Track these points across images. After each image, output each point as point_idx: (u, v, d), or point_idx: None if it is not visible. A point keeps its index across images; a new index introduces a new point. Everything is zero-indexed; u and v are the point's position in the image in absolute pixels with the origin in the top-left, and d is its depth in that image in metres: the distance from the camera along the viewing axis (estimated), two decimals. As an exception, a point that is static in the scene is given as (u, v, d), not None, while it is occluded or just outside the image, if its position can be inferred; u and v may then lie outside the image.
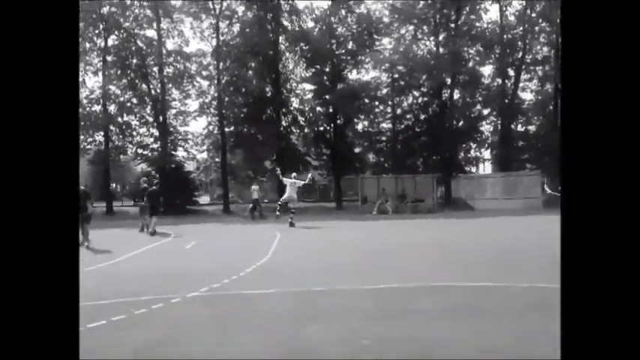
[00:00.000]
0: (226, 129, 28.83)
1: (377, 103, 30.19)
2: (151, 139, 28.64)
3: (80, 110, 25.53)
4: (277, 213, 18.59)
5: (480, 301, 5.82)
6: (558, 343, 2.33)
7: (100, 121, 26.81)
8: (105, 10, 26.76)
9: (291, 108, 29.92)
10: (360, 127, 31.04)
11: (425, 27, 29.51)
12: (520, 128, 31.37)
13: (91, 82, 27.71)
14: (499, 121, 30.54)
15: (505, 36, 29.24)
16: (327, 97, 28.53)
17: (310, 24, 29.59)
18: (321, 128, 30.29)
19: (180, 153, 29.47)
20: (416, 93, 30.33)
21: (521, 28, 29.43)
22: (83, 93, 26.64)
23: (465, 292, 6.30)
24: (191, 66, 28.63)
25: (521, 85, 30.43)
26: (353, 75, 30.01)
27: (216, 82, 28.30)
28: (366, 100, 29.39)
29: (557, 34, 28.31)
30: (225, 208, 28.41)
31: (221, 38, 28.31)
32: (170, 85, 28.28)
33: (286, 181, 18.09)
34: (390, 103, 30.48)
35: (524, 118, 31.07)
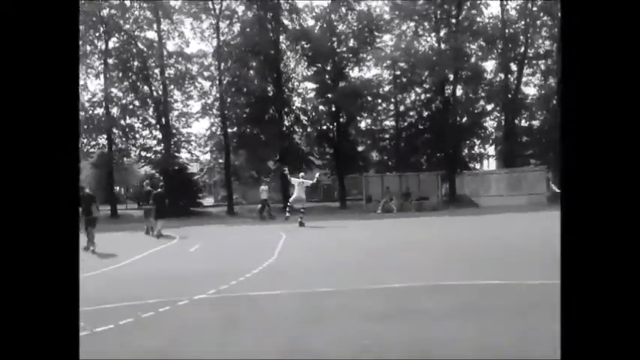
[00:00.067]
0: (229, 130, 28.79)
1: (379, 100, 30.09)
2: (154, 142, 28.70)
3: (83, 113, 25.59)
4: (287, 214, 18.49)
5: (486, 299, 5.77)
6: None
7: (103, 124, 26.83)
8: (105, 12, 26.76)
9: (294, 107, 29.86)
10: (362, 125, 30.95)
11: (426, 23, 29.37)
12: (524, 123, 31.16)
13: (92, 85, 27.91)
14: (502, 117, 30.38)
15: (507, 30, 29.08)
16: (329, 95, 28.46)
17: (311, 22, 29.54)
18: (324, 127, 30.22)
19: (184, 155, 29.51)
20: (418, 90, 30.21)
21: (522, 22, 29.25)
22: (85, 96, 26.72)
23: (471, 291, 6.26)
24: (192, 67, 28.60)
25: (524, 79, 30.26)
26: (355, 73, 29.96)
27: (217, 82, 28.27)
28: (369, 98, 29.29)
29: (558, 28, 28.16)
30: (229, 209, 28.38)
31: (221, 38, 28.26)
32: (172, 87, 28.26)
33: (294, 180, 18.05)
34: (392, 100, 30.35)
35: (527, 113, 30.87)
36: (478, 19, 29.04)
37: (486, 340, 4.26)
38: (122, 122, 27.85)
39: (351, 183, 33.24)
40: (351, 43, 29.40)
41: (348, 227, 17.32)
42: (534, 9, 28.84)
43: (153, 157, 28.56)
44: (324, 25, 28.98)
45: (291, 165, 23.31)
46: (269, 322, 5.10)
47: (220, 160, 30.62)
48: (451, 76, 28.66)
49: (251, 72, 28.31)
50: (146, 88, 27.93)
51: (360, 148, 30.98)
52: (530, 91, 31.44)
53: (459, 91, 29.83)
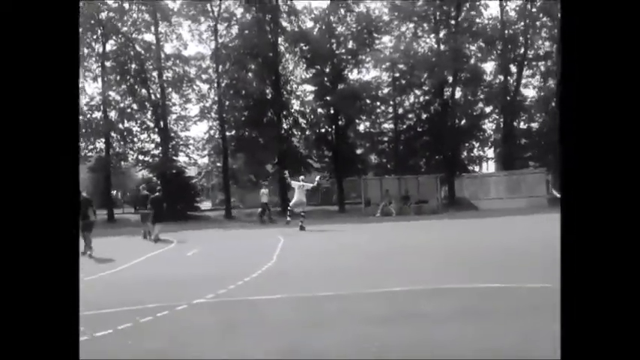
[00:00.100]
0: (227, 133, 28.74)
1: (378, 103, 30.09)
2: (152, 145, 28.62)
3: (80, 117, 25.50)
4: (288, 218, 18.39)
5: (486, 302, 5.72)
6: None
7: (101, 127, 26.76)
8: (103, 15, 26.74)
9: (292, 110, 29.83)
10: (361, 127, 30.91)
11: (425, 24, 29.42)
12: (523, 126, 31.21)
13: (90, 88, 27.81)
14: (502, 119, 30.41)
15: (506, 32, 29.13)
16: (328, 98, 28.42)
17: (309, 24, 29.52)
18: (323, 130, 30.16)
19: (182, 158, 29.43)
20: (417, 92, 30.23)
21: (522, 24, 29.32)
22: (83, 100, 26.62)
23: (471, 294, 6.20)
24: (190, 70, 28.57)
25: (523, 81, 30.31)
26: (354, 75, 29.94)
27: (216, 85, 28.23)
28: (368, 101, 29.29)
29: (558, 29, 28.19)
30: (227, 213, 28.31)
31: (220, 41, 28.24)
32: (170, 90, 28.23)
33: (294, 184, 17.99)
34: (391, 102, 30.36)
35: (526, 115, 30.90)
36: (477, 20, 29.11)
37: (487, 343, 4.21)
38: (120, 126, 27.79)
39: (349, 186, 33.19)
40: (350, 44, 29.38)
41: (347, 231, 17.26)
42: (534, 10, 28.91)
43: (150, 160, 28.48)
44: (323, 27, 28.96)
45: (289, 168, 23.28)
46: (268, 327, 5.03)
47: (218, 164, 30.56)
48: (450, 78, 28.70)
49: (249, 74, 28.29)
50: (144, 91, 27.87)
51: (358, 151, 30.95)
52: (530, 93, 31.55)
53: (458, 93, 29.89)
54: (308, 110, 29.71)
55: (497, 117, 30.88)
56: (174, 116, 28.48)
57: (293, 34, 28.61)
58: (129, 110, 27.81)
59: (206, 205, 38.27)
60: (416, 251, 10.76)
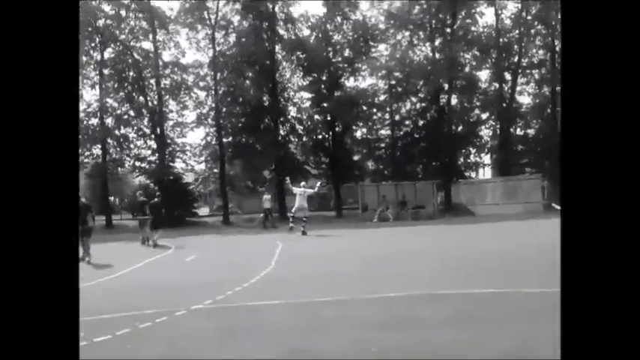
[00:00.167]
0: (224, 139, 28.80)
1: (375, 110, 30.25)
2: (149, 152, 28.66)
3: (78, 124, 25.51)
4: (291, 224, 18.52)
5: (482, 308, 5.76)
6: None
7: (98, 134, 26.77)
8: (100, 22, 26.83)
9: (289, 117, 29.94)
10: (358, 134, 31.11)
11: (421, 32, 29.64)
12: (519, 132, 31.43)
13: (88, 95, 27.88)
14: (497, 126, 30.61)
15: (501, 40, 29.37)
16: (324, 105, 28.57)
17: (306, 32, 29.72)
18: (320, 136, 30.29)
19: (179, 164, 29.51)
20: (413, 99, 30.40)
21: (517, 32, 29.57)
22: (80, 107, 26.59)
23: (468, 300, 6.24)
24: (188, 77, 28.66)
25: (518, 88, 30.58)
26: (350, 82, 30.16)
27: (213, 92, 28.32)
28: (364, 108, 29.43)
29: (552, 36, 28.46)
30: (224, 219, 28.30)
31: (217, 48, 28.36)
32: (167, 97, 28.29)
33: (296, 190, 18.19)
34: (387, 109, 30.52)
35: (522, 122, 31.15)
36: (473, 28, 29.35)
37: (483, 349, 4.25)
38: (117, 132, 27.84)
39: (346, 192, 33.25)
40: (347, 52, 29.59)
41: (344, 236, 17.29)
42: (529, 18, 29.17)
43: (147, 167, 28.50)
44: (320, 35, 29.17)
45: (286, 174, 23.38)
46: (267, 332, 5.06)
47: (215, 170, 30.62)
48: (446, 86, 28.87)
49: (247, 82, 28.40)
50: (141, 98, 27.92)
51: (355, 157, 31.06)
52: (525, 99, 31.81)
53: (453, 100, 30.07)
54: (305, 117, 29.82)
55: (493, 123, 31.09)
56: (171, 123, 28.59)
57: (290, 42, 28.78)
58: (126, 117, 27.86)
59: (204, 211, 38.22)
60: (413, 256, 10.79)
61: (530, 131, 31.52)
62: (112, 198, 37.42)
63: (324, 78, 29.22)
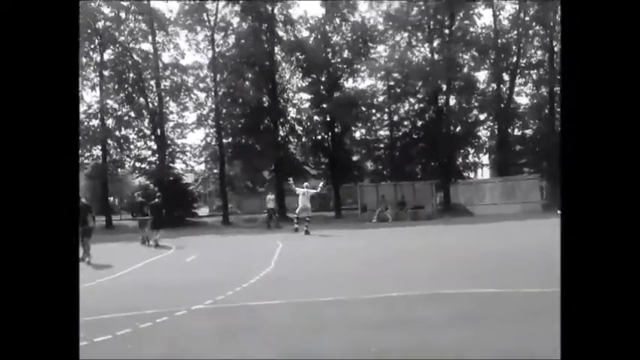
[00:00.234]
0: (224, 140, 28.86)
1: (374, 110, 30.30)
2: (149, 152, 28.71)
3: (77, 125, 25.56)
4: (295, 226, 18.61)
5: (483, 307, 5.80)
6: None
7: (98, 135, 26.82)
8: (100, 24, 26.88)
9: (289, 117, 29.99)
10: (357, 135, 31.15)
11: (419, 33, 29.70)
12: (517, 132, 31.50)
13: (88, 96, 27.93)
14: (496, 126, 30.67)
15: (499, 40, 29.44)
16: (324, 105, 28.62)
17: (305, 33, 29.75)
18: (319, 137, 30.35)
19: (179, 165, 29.56)
20: (412, 100, 30.45)
21: (515, 33, 29.65)
22: (81, 108, 26.65)
23: (468, 299, 6.27)
24: (188, 78, 28.72)
25: (516, 89, 30.66)
26: (349, 83, 30.20)
27: (213, 93, 28.38)
28: (363, 108, 29.48)
29: (551, 37, 28.54)
30: (224, 219, 28.35)
31: (217, 50, 28.42)
32: (167, 98, 28.34)
33: (299, 191, 18.35)
34: (386, 110, 30.57)
35: (520, 122, 31.21)
36: (471, 29, 29.40)
37: (483, 348, 4.30)
38: (117, 133, 27.91)
39: (346, 192, 33.32)
40: (346, 53, 29.65)
41: (343, 236, 17.35)
42: (527, 19, 29.25)
43: (147, 167, 28.56)
44: (319, 36, 29.23)
45: (286, 175, 23.43)
46: (267, 332, 5.10)
47: (215, 171, 30.68)
48: (444, 86, 28.92)
49: (246, 83, 28.45)
50: (142, 99, 27.98)
51: (354, 158, 31.11)
52: (523, 100, 31.88)
53: (452, 101, 30.12)
54: (304, 118, 29.86)
55: (491, 124, 31.15)
56: (171, 124, 28.66)
57: (289, 44, 28.84)
58: (126, 118, 27.92)
59: (203, 211, 38.26)
60: (412, 256, 10.85)
61: (528, 131, 31.60)
62: (111, 199, 37.48)
63: (323, 79, 29.28)
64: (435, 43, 29.51)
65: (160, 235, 15.51)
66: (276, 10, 28.68)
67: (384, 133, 31.39)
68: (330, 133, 29.64)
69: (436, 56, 29.25)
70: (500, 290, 6.66)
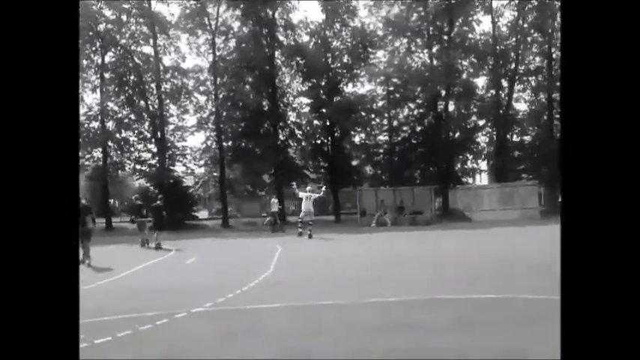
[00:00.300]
0: (224, 143, 28.92)
1: (373, 115, 30.35)
2: (149, 155, 28.72)
3: (78, 127, 25.62)
4: (300, 230, 18.68)
5: (481, 313, 5.86)
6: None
7: (98, 137, 26.88)
8: (101, 27, 26.98)
9: (289, 122, 30.04)
10: (357, 139, 31.17)
11: (418, 39, 29.79)
12: (515, 138, 31.56)
13: (89, 99, 27.89)
14: (494, 132, 30.73)
15: (498, 47, 29.55)
16: (323, 110, 28.70)
17: (305, 38, 29.83)
18: (319, 141, 30.39)
19: (179, 168, 29.55)
20: (411, 105, 30.51)
21: (513, 39, 29.74)
22: (81, 110, 26.70)
23: (466, 305, 6.34)
24: (188, 82, 28.79)
25: (515, 95, 30.70)
26: (349, 88, 30.24)
27: (213, 97, 28.47)
28: (363, 113, 29.53)
29: (549, 44, 28.69)
30: (224, 222, 28.38)
31: (217, 54, 28.49)
32: (168, 101, 28.42)
33: (302, 194, 18.48)
34: (386, 115, 30.64)
35: (519, 129, 31.25)
36: (470, 35, 29.47)
37: (482, 354, 4.36)
38: (117, 136, 27.97)
39: (345, 197, 33.35)
40: (345, 59, 29.74)
41: (342, 241, 17.41)
42: (525, 26, 29.37)
43: (148, 170, 28.59)
44: (319, 41, 29.32)
45: (286, 179, 23.49)
46: (267, 335, 5.17)
47: (215, 174, 30.71)
48: (443, 92, 28.98)
49: (246, 87, 28.51)
50: (142, 102, 28.03)
51: (354, 163, 31.14)
52: (521, 106, 31.92)
53: (451, 107, 30.16)
54: (304, 122, 29.93)
55: (490, 130, 31.19)
56: (171, 127, 28.69)
57: (289, 48, 28.96)
58: (126, 120, 27.98)
59: (203, 214, 38.27)
60: (411, 261, 10.90)
61: (527, 138, 31.63)
62: (111, 201, 37.48)
63: (323, 83, 29.35)
64: (434, 49, 29.60)
65: (160, 237, 15.59)
66: (276, 15, 28.78)
67: (383, 138, 31.45)
68: (329, 138, 29.70)
69: (435, 62, 29.34)
70: (498, 296, 6.71)
